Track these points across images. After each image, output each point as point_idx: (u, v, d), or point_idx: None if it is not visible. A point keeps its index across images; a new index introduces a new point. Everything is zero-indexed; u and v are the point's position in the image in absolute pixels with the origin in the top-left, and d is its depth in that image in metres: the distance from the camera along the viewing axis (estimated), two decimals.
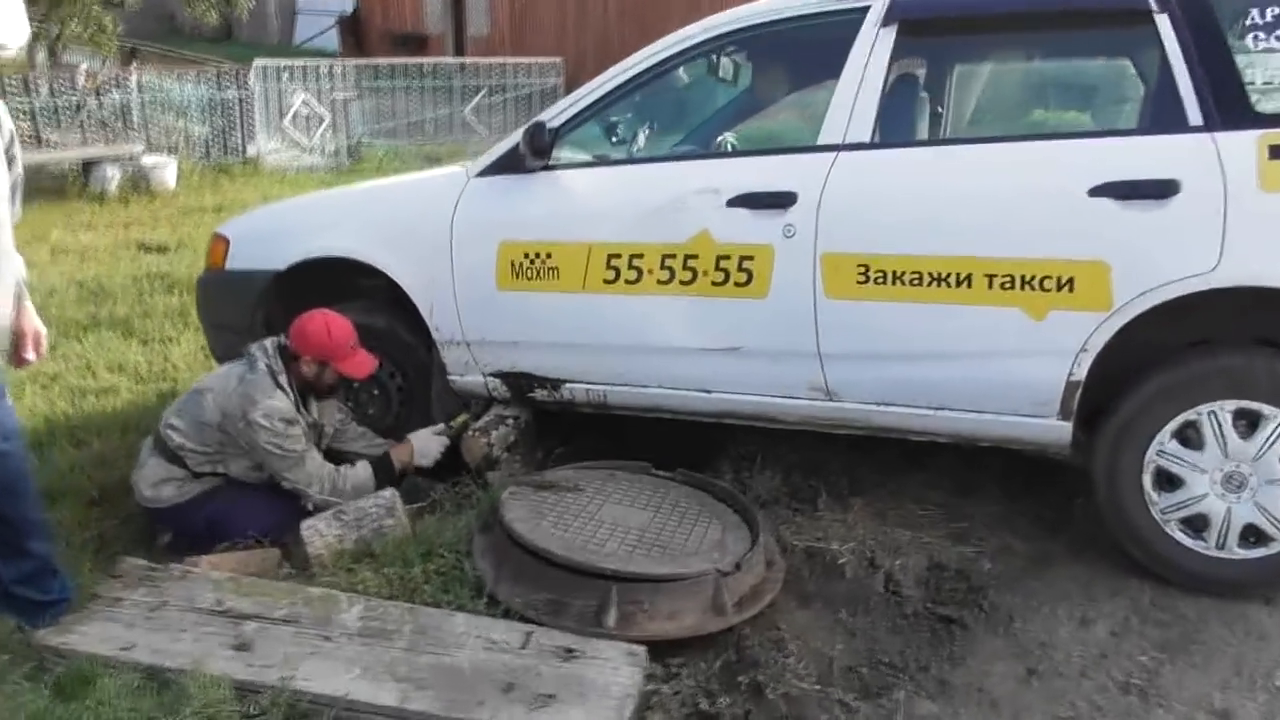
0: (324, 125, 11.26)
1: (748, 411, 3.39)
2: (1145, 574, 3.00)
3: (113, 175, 9.45)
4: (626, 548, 2.78)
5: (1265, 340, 2.91)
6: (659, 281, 3.33)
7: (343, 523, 3.08)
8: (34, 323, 2.86)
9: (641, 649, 2.56)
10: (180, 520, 3.48)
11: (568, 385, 3.59)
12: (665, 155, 3.59)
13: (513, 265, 3.50)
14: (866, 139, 3.14)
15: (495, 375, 3.68)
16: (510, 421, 3.72)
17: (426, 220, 3.62)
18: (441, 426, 3.70)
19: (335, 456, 3.71)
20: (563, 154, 3.57)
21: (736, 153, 3.50)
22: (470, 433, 3.61)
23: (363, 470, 3.52)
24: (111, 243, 8.04)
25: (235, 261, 4.01)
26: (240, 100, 10.66)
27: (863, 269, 3.08)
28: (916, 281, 3.03)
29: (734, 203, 3.22)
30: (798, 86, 4.09)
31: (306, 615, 2.63)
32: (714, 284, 3.27)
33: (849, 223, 3.10)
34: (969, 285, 2.98)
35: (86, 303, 6.46)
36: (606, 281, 3.39)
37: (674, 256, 3.30)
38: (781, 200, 3.16)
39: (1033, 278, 2.92)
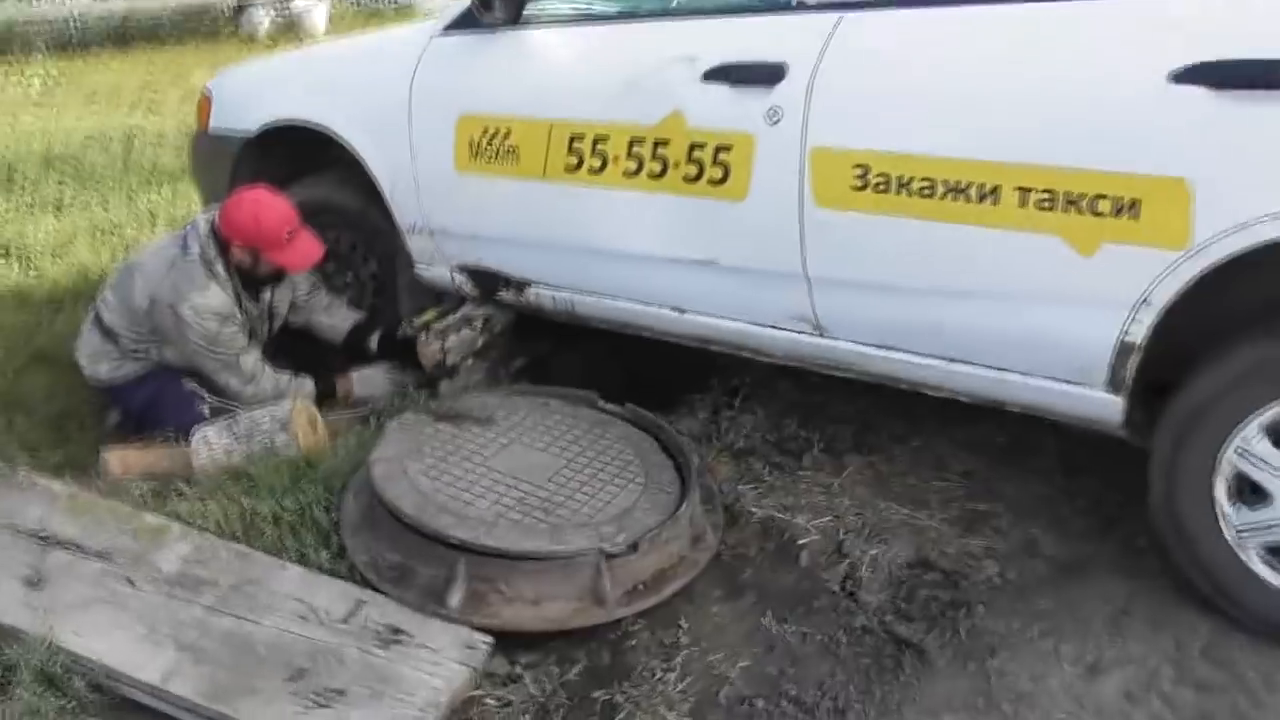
0: None
1: (726, 340, 2.74)
2: (1207, 607, 2.21)
3: (263, 19, 9.35)
4: (499, 509, 2.26)
5: None
6: (625, 173, 2.68)
7: (234, 434, 2.71)
8: None
9: (486, 640, 2.07)
10: (121, 400, 3.22)
11: (533, 289, 3.03)
12: (646, 12, 2.86)
13: (471, 143, 2.93)
14: None
15: (460, 270, 3.16)
16: (479, 324, 3.22)
17: (386, 85, 3.08)
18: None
19: (298, 334, 3.37)
20: (551, 7, 2.93)
21: (721, 9, 2.73)
22: (424, 334, 3.14)
23: (306, 383, 3.15)
24: None
25: (216, 121, 3.62)
26: None
27: (860, 171, 2.32)
28: (928, 191, 2.26)
29: (711, 76, 2.51)
30: None
31: (126, 549, 2.29)
32: (686, 179, 2.59)
33: (848, 108, 2.34)
34: (995, 201, 2.19)
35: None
36: (568, 169, 2.77)
37: (643, 142, 2.64)
38: (766, 75, 2.42)
39: (1081, 196, 2.09)
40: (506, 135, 2.86)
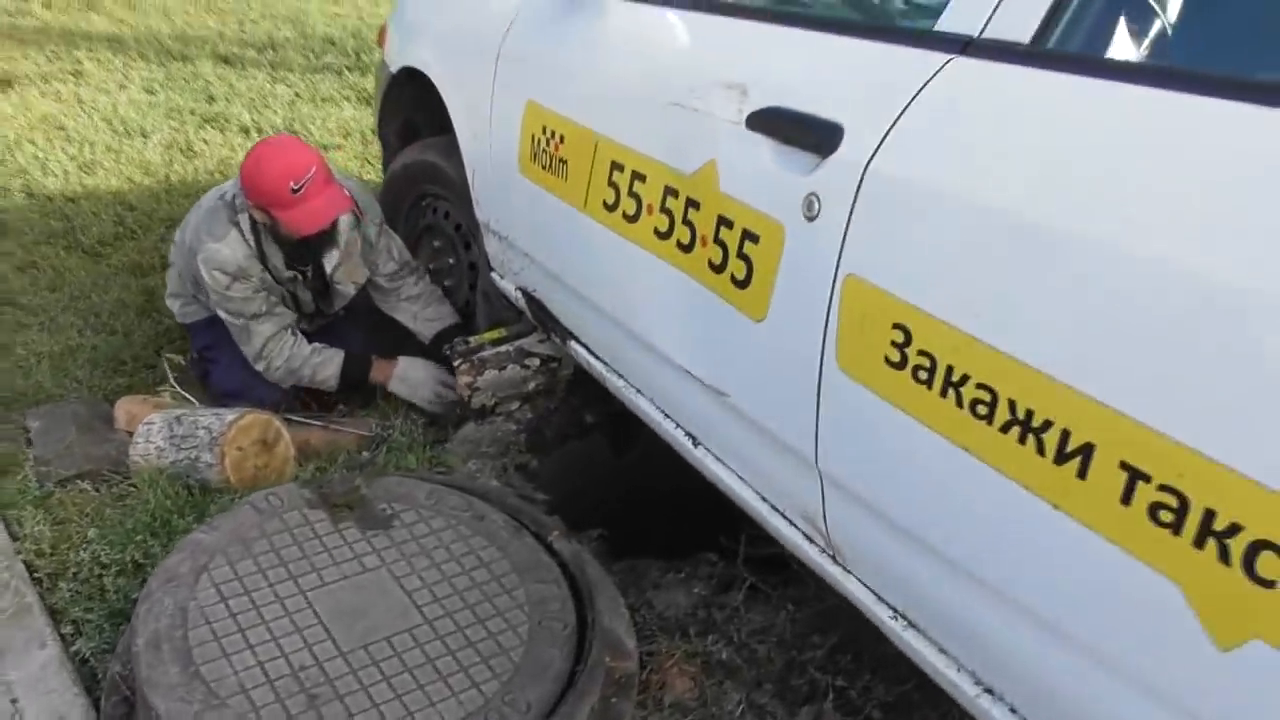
0: None
1: (736, 500, 1.85)
2: None
3: None
4: (250, 678, 1.60)
5: None
6: (656, 231, 1.85)
7: (173, 433, 2.30)
8: None
9: None
10: (192, 339, 2.97)
11: (572, 342, 2.30)
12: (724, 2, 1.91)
13: (533, 140, 2.22)
14: (1026, 37, 1.29)
15: (520, 290, 2.49)
16: (536, 363, 2.56)
17: (483, 39, 2.43)
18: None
19: (375, 319, 2.91)
20: None
21: (797, 17, 1.71)
22: (460, 362, 2.53)
23: (331, 364, 2.68)
24: None
25: (388, 50, 3.19)
26: None
27: (900, 336, 1.35)
28: (984, 410, 1.25)
29: (757, 121, 1.60)
30: None
31: None
32: (710, 265, 1.72)
33: (909, 221, 1.35)
34: (1081, 471, 1.14)
35: None
36: (605, 205, 1.99)
37: (677, 194, 1.79)
38: (816, 137, 1.48)
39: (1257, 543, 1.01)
40: (561, 141, 2.12)
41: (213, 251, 2.55)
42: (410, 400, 2.72)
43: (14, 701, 1.70)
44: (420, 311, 2.87)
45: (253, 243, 2.59)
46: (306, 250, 2.66)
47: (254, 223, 2.58)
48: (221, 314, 2.63)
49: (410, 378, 2.73)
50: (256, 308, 2.62)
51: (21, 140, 4.48)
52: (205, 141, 4.74)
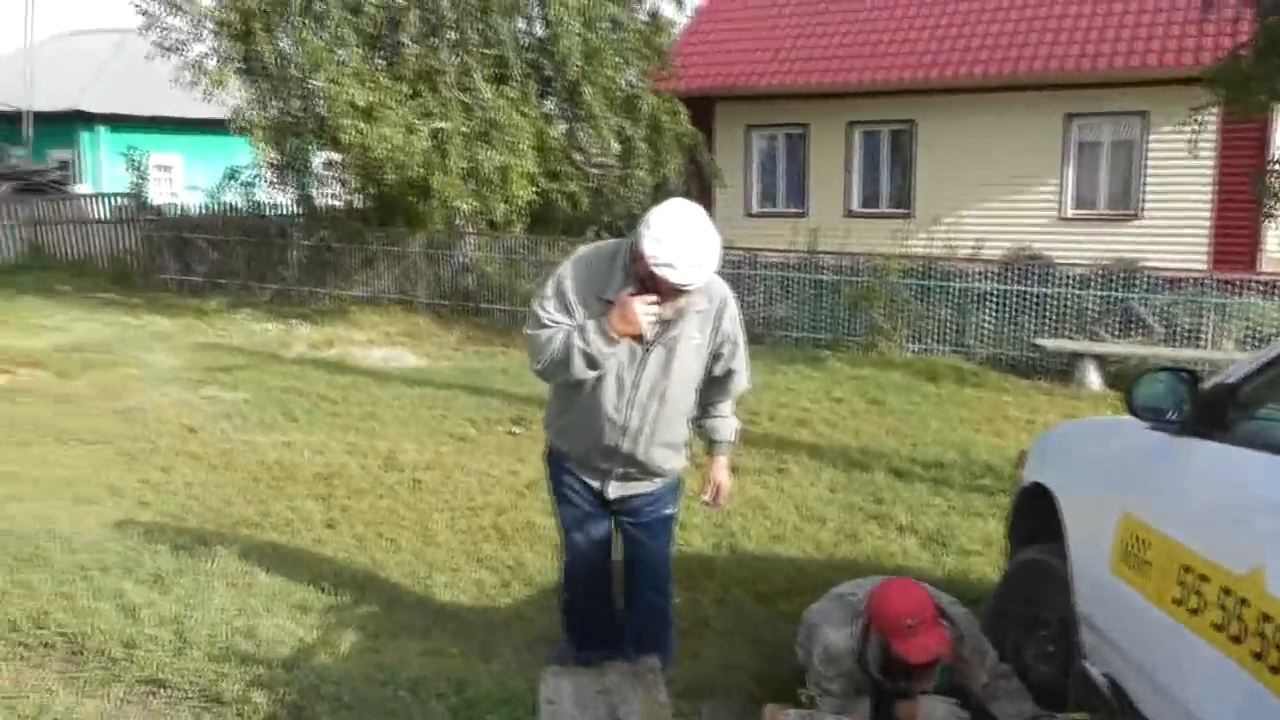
0: None
1: None
2: None
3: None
4: None
5: None
6: (1213, 624, 2.20)
7: None
8: (718, 475, 3.61)
9: None
10: None
11: None
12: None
13: (1124, 545, 2.69)
14: None
15: (1106, 678, 2.82)
16: None
17: (1093, 470, 3.01)
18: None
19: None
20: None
21: None
22: None
23: (861, 709, 3.21)
24: None
25: (1024, 469, 3.85)
26: None
27: None
28: None
29: None
30: None
31: None
32: (1253, 654, 2.03)
33: None
34: None
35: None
36: (1174, 600, 2.38)
37: (1229, 593, 2.15)
38: None
39: None
40: (1147, 546, 2.57)
41: (826, 635, 3.30)
42: None
43: None
44: (1004, 707, 3.27)
45: (858, 646, 3.27)
46: (907, 672, 3.28)
47: (865, 630, 3.27)
48: (812, 678, 3.33)
49: (933, 711, 3.15)
50: (836, 691, 3.26)
51: (739, 514, 5.86)
52: (868, 533, 5.71)
